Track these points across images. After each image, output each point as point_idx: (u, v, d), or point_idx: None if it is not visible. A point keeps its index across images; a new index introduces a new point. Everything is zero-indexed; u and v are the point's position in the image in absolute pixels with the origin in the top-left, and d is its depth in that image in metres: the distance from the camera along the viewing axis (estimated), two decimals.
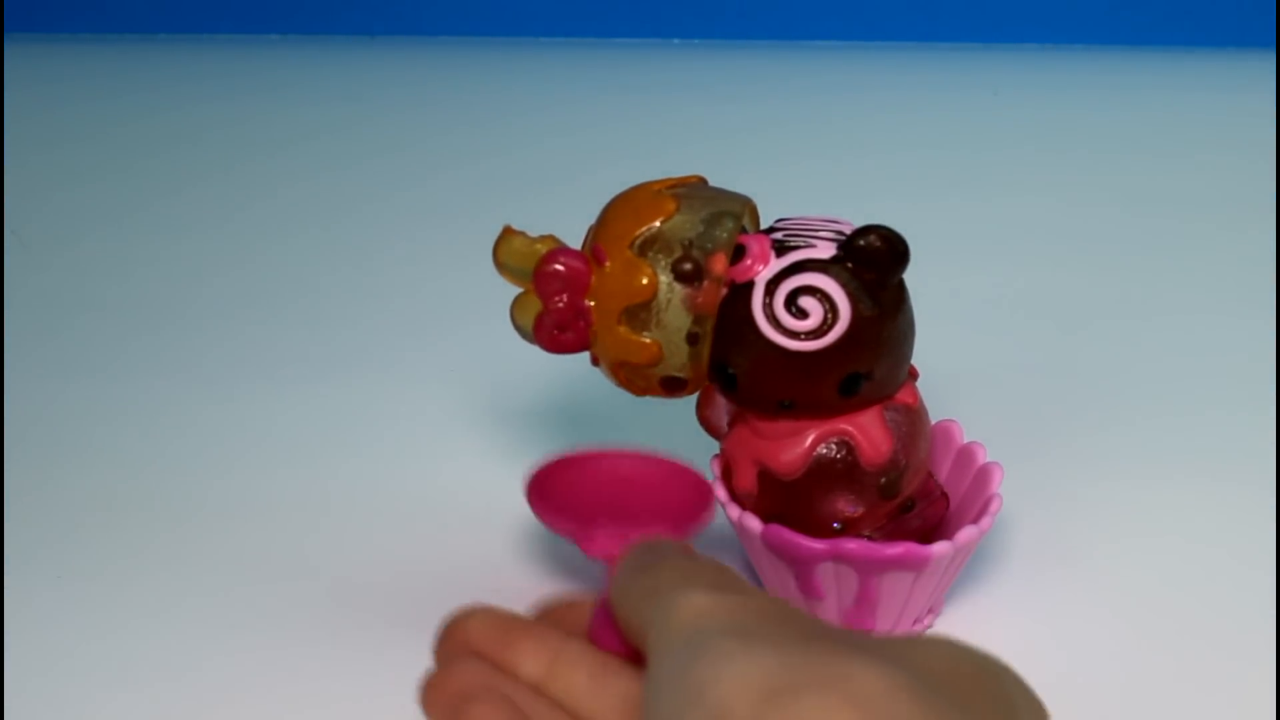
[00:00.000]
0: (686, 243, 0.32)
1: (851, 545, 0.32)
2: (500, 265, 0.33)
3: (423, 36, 1.18)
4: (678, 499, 0.32)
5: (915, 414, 0.35)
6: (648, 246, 0.32)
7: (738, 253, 0.32)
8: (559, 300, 0.32)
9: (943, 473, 0.37)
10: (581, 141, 0.89)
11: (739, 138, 0.90)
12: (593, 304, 0.32)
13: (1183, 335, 0.55)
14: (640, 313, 0.32)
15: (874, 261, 0.31)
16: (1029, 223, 0.70)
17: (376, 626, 0.36)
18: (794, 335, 0.31)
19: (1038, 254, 0.65)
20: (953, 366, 0.38)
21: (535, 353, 0.34)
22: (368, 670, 0.34)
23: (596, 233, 0.33)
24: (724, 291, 0.32)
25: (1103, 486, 0.43)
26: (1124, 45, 1.13)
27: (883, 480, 0.34)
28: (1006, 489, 0.35)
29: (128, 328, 0.57)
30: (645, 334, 0.32)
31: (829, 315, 0.31)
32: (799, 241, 0.32)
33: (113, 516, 0.42)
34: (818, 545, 0.33)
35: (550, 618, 0.29)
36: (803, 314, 0.31)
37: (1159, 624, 0.36)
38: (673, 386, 0.33)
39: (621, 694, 0.26)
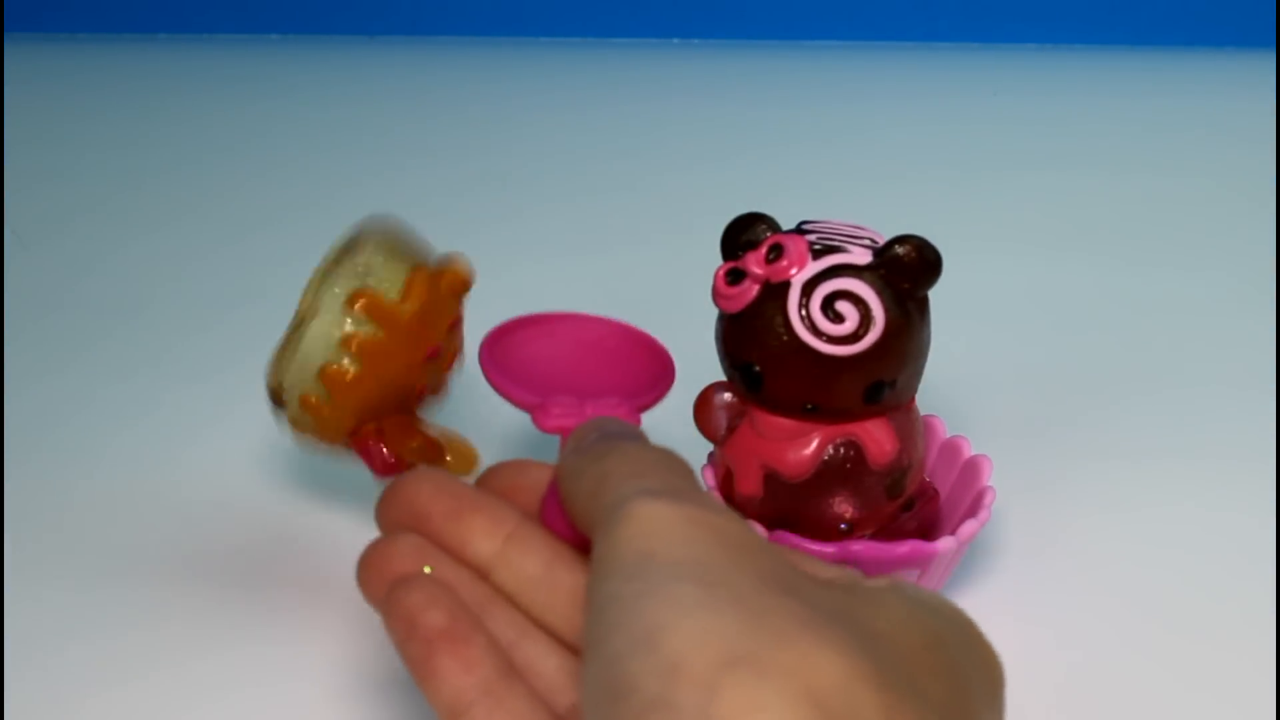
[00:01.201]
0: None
1: (859, 547, 0.32)
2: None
3: (423, 36, 1.18)
4: (637, 368, 0.31)
5: (913, 413, 0.35)
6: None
7: (774, 252, 0.32)
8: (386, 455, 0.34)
9: (927, 468, 0.38)
10: (581, 141, 0.89)
11: (738, 138, 0.90)
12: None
13: (1180, 333, 0.55)
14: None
15: (909, 271, 0.32)
16: (1026, 222, 0.70)
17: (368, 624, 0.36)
18: (829, 339, 0.31)
19: (1035, 253, 0.65)
20: (939, 363, 0.37)
21: None
22: (365, 670, 0.34)
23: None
24: (756, 289, 0.32)
25: (1092, 477, 0.43)
26: (1124, 45, 1.13)
27: (888, 480, 0.34)
28: (993, 482, 0.35)
29: (128, 327, 0.57)
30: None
31: (864, 321, 0.31)
32: (832, 245, 0.32)
33: (111, 516, 0.42)
34: (826, 548, 0.33)
35: (500, 487, 0.27)
36: (839, 318, 0.31)
37: (1155, 613, 0.36)
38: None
39: (570, 590, 0.25)
